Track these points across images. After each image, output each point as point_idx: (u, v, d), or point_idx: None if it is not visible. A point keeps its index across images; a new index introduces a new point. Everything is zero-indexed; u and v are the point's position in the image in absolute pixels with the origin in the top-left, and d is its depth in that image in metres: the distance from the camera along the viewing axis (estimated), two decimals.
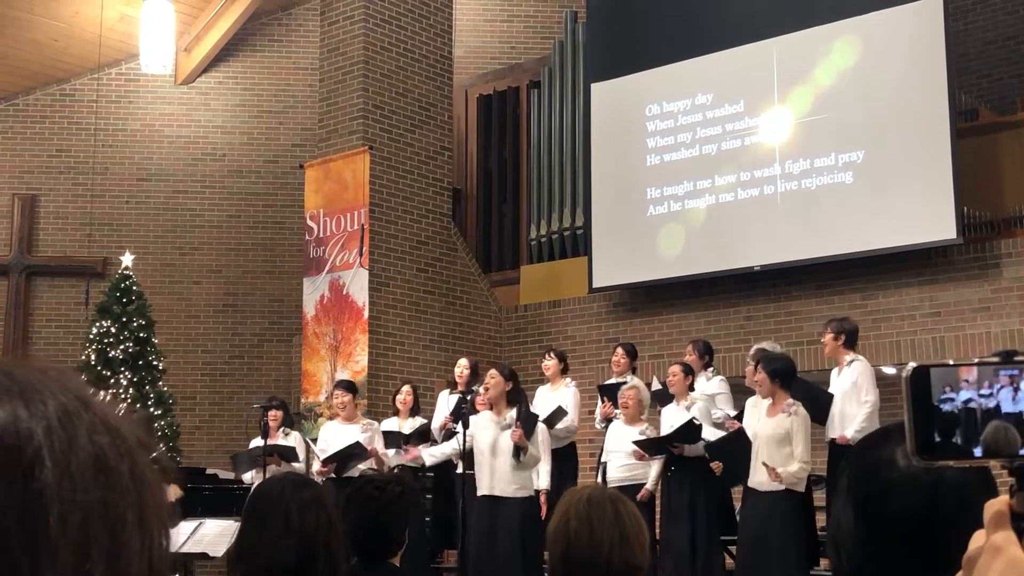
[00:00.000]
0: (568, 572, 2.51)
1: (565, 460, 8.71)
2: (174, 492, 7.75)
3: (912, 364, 0.91)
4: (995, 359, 0.90)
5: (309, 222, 11.48)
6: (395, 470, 8.33)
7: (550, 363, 9.13)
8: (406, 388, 9.35)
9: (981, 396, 0.89)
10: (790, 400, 7.20)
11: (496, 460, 7.60)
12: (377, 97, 11.43)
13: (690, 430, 7.77)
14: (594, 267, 11.24)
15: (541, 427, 7.88)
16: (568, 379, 9.17)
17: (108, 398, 9.86)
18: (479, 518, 7.64)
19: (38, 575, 0.63)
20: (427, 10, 11.97)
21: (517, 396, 7.79)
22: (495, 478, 7.60)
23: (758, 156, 10.47)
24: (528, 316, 11.99)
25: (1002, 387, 0.89)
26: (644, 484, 8.01)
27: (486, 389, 7.79)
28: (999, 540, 0.84)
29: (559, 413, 8.58)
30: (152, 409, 11.04)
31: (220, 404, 12.87)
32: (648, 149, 11.17)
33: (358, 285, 10.97)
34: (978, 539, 0.87)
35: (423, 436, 8.96)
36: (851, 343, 7.78)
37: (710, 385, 8.57)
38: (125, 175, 13.31)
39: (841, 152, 9.98)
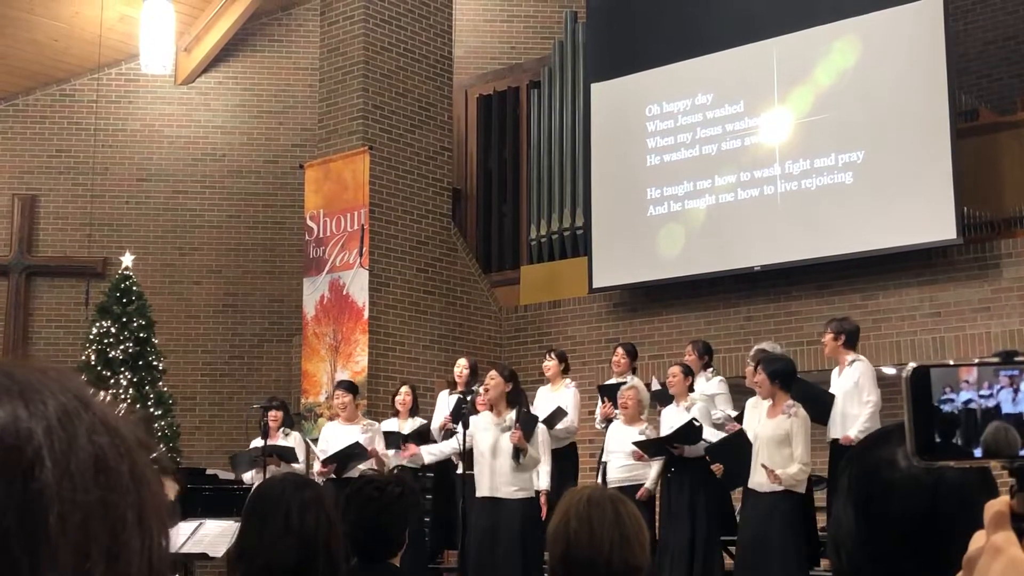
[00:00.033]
0: (568, 572, 2.51)
1: (565, 460, 8.70)
2: (171, 487, 7.73)
3: (912, 364, 0.91)
4: (995, 359, 0.90)
5: (309, 222, 11.48)
6: (395, 471, 8.32)
7: (550, 363, 9.12)
8: (405, 388, 9.35)
9: (981, 397, 0.89)
10: (790, 401, 7.20)
11: (496, 461, 7.60)
12: (377, 97, 11.43)
13: (690, 431, 7.77)
14: (594, 267, 11.24)
15: (541, 428, 7.88)
16: (568, 379, 9.17)
17: (108, 398, 9.86)
18: (479, 519, 7.64)
19: (38, 575, 0.63)
20: (427, 10, 11.97)
21: (517, 397, 7.80)
22: (495, 479, 7.60)
23: (758, 156, 10.47)
24: (528, 316, 11.99)
25: (1002, 388, 0.89)
26: (644, 484, 8.01)
27: (486, 390, 7.79)
28: (999, 541, 0.84)
29: (559, 414, 8.58)
30: (152, 409, 11.04)
31: (220, 404, 12.87)
32: (648, 149, 11.17)
33: (358, 285, 10.97)
34: (978, 540, 0.87)
35: (423, 436, 8.96)
36: (851, 343, 7.77)
37: (709, 386, 8.57)
38: (125, 175, 13.31)
39: (841, 152, 9.98)
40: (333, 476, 8.36)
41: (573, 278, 11.54)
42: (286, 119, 13.59)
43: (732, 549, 7.89)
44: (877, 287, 9.82)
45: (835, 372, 7.86)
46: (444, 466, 8.97)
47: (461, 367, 9.25)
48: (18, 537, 0.63)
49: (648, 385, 8.60)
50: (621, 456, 8.11)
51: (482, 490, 7.67)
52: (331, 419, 9.28)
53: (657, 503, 8.18)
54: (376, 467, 8.32)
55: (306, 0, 13.67)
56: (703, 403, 8.16)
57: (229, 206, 13.39)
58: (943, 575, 1.11)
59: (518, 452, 7.53)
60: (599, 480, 8.22)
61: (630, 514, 2.54)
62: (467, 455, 7.84)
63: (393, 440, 8.85)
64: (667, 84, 11.11)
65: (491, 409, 7.74)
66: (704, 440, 7.78)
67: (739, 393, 8.58)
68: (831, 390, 7.71)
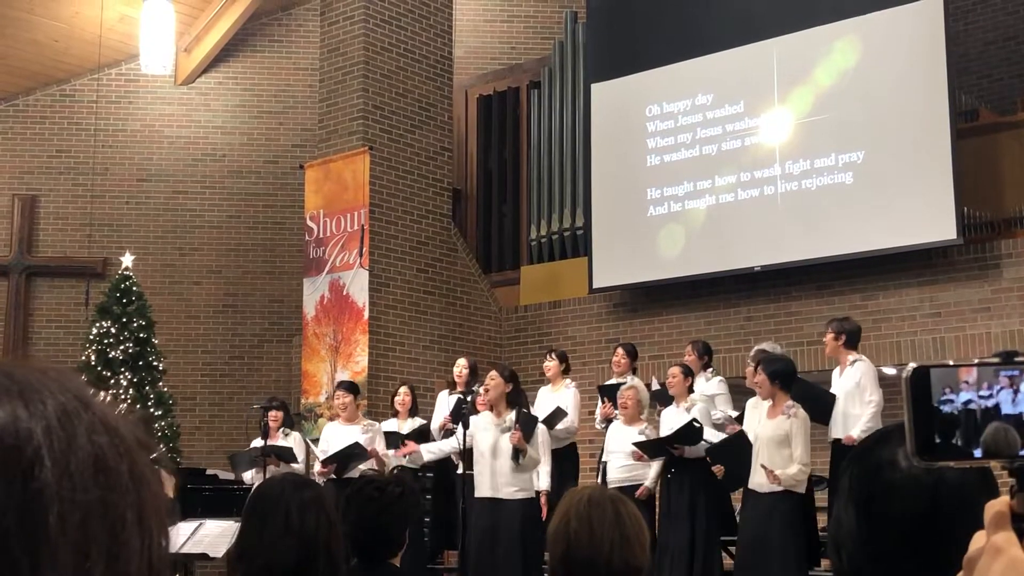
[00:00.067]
0: (568, 573, 2.51)
1: (565, 461, 8.70)
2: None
3: (912, 365, 0.91)
4: (995, 360, 0.90)
5: (309, 222, 11.48)
6: (395, 471, 8.32)
7: (551, 364, 9.13)
8: (403, 389, 9.35)
9: (980, 397, 0.89)
10: (790, 402, 7.20)
11: (496, 462, 7.60)
12: (377, 97, 11.43)
13: (691, 432, 7.76)
14: (594, 267, 11.24)
15: (541, 428, 7.88)
16: (569, 380, 9.17)
17: (108, 399, 9.86)
18: (479, 519, 7.64)
19: (38, 575, 0.63)
20: (427, 10, 11.97)
21: (517, 397, 7.80)
22: (496, 480, 7.60)
23: (758, 156, 10.47)
24: (528, 317, 11.99)
25: (1001, 388, 0.89)
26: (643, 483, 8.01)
27: (486, 390, 7.79)
28: (999, 541, 0.84)
29: (558, 414, 8.58)
30: (152, 410, 11.04)
31: (220, 405, 12.87)
32: (648, 149, 11.17)
33: (358, 285, 10.98)
34: (978, 540, 0.87)
35: (422, 437, 8.96)
36: (852, 343, 7.77)
37: (709, 386, 8.57)
38: (125, 175, 13.31)
39: (841, 152, 9.98)
40: (333, 476, 8.37)
41: (573, 278, 11.55)
42: (286, 119, 13.59)
43: (732, 549, 7.89)
44: (877, 287, 9.82)
45: (836, 372, 7.86)
46: (444, 466, 8.97)
47: (460, 367, 9.25)
48: (18, 537, 0.63)
49: (648, 385, 8.60)
50: (621, 456, 8.11)
51: (482, 490, 7.67)
52: (331, 419, 9.28)
53: (657, 503, 8.18)
54: (377, 467, 8.32)
55: (306, 0, 13.67)
56: (703, 404, 8.16)
57: (229, 206, 13.39)
58: (943, 575, 1.11)
59: (517, 452, 7.53)
60: (599, 480, 8.22)
61: (630, 514, 2.54)
62: (467, 455, 7.84)
63: (393, 441, 8.85)
64: (667, 84, 11.11)
65: (491, 409, 7.74)
66: (705, 441, 7.78)
67: (739, 393, 8.58)
68: (832, 390, 7.71)
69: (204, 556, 7.51)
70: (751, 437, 7.35)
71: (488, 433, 7.67)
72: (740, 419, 7.94)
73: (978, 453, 0.89)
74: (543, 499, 7.83)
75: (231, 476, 9.72)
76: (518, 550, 7.50)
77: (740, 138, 10.61)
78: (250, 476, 8.93)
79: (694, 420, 7.81)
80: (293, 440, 9.07)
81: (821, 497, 7.97)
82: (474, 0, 13.78)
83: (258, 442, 8.87)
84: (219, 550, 7.28)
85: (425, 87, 11.85)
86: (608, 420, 8.51)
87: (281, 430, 9.05)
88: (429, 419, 9.29)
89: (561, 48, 12.48)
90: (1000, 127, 10.14)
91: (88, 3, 12.33)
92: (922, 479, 1.29)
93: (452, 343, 11.51)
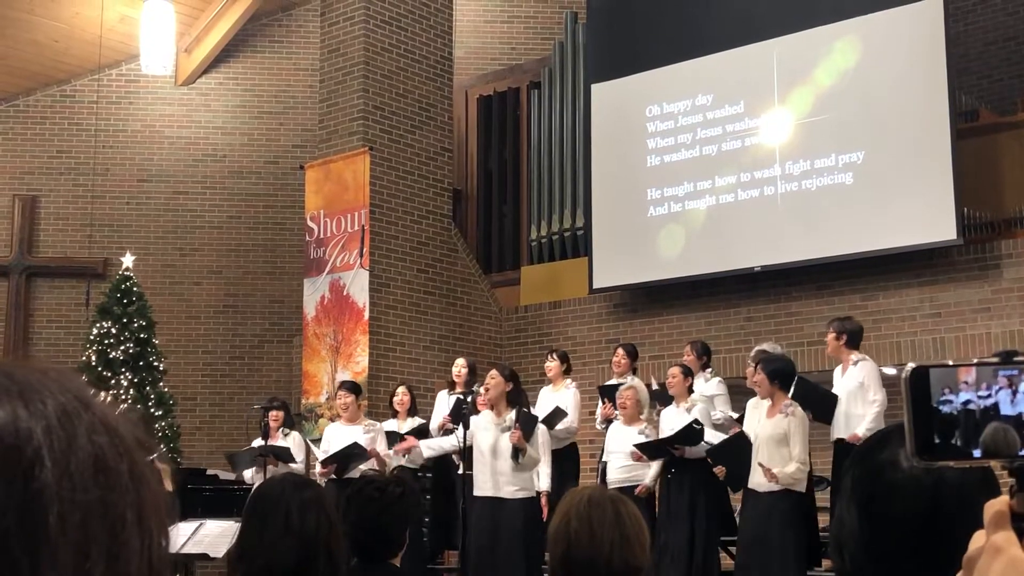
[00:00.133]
0: (568, 573, 2.51)
1: (566, 461, 8.70)
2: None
3: (911, 365, 0.91)
4: (994, 360, 0.90)
5: (309, 223, 11.48)
6: (395, 471, 8.32)
7: (552, 364, 9.13)
8: (402, 389, 9.35)
9: (979, 397, 0.89)
10: (788, 401, 7.20)
11: (496, 461, 7.60)
12: (377, 98, 11.43)
13: (692, 433, 7.75)
14: (594, 268, 11.24)
15: (541, 428, 7.88)
16: (569, 380, 9.17)
17: (108, 399, 9.86)
18: (480, 519, 7.64)
19: (38, 575, 0.63)
20: (427, 11, 11.97)
21: (517, 397, 7.80)
22: (496, 479, 7.60)
23: (758, 157, 10.47)
24: (528, 317, 11.99)
25: (1000, 388, 0.89)
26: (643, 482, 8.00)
27: (486, 389, 7.79)
28: (999, 540, 0.84)
29: (558, 414, 8.58)
30: (153, 410, 11.05)
31: (221, 405, 12.87)
32: (648, 150, 11.18)
33: (358, 286, 10.98)
34: (978, 539, 0.87)
35: (421, 436, 8.95)
36: (854, 343, 7.76)
37: (708, 386, 8.57)
38: (125, 176, 13.31)
39: (841, 153, 9.98)
40: (334, 477, 8.37)
41: (573, 279, 11.55)
42: (286, 120, 13.59)
43: (732, 549, 7.89)
44: (877, 288, 9.82)
45: (837, 372, 7.85)
46: (444, 466, 8.96)
47: (459, 367, 9.25)
48: (18, 537, 0.63)
49: (648, 386, 8.60)
50: (621, 456, 8.11)
51: (482, 490, 7.66)
52: (332, 420, 9.29)
53: (656, 503, 8.18)
54: (377, 468, 8.32)
55: (306, 1, 13.67)
56: (703, 404, 8.16)
57: (230, 207, 13.39)
58: (944, 575, 1.11)
59: (517, 452, 7.53)
60: (598, 480, 8.22)
61: (630, 514, 2.54)
62: (467, 455, 7.84)
63: (393, 441, 8.86)
64: (667, 85, 11.11)
65: (491, 409, 7.74)
66: (705, 442, 7.78)
67: (739, 394, 8.58)
68: (833, 390, 7.70)
69: (204, 556, 7.52)
70: (751, 437, 7.34)
71: (488, 432, 7.67)
72: (741, 420, 7.94)
73: (977, 453, 0.89)
74: (543, 499, 7.83)
75: (231, 476, 9.72)
76: (519, 550, 7.50)
77: (740, 138, 10.61)
78: (250, 476, 8.93)
79: (695, 421, 7.80)
80: (292, 440, 9.07)
81: (823, 497, 7.97)
82: (474, 1, 13.78)
83: (258, 442, 8.87)
84: (219, 550, 7.28)
85: (425, 87, 11.85)
86: (608, 421, 8.51)
87: (281, 430, 9.06)
88: (428, 419, 9.29)
89: (561, 48, 12.48)
90: (1000, 127, 10.14)
91: (88, 3, 12.33)
92: (923, 479, 1.29)
93: (452, 343, 11.51)
